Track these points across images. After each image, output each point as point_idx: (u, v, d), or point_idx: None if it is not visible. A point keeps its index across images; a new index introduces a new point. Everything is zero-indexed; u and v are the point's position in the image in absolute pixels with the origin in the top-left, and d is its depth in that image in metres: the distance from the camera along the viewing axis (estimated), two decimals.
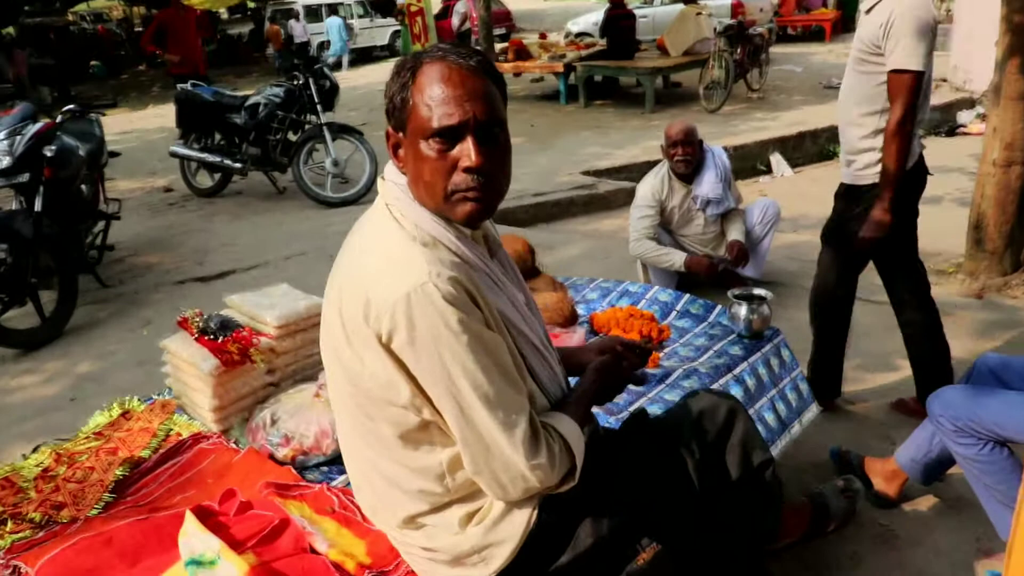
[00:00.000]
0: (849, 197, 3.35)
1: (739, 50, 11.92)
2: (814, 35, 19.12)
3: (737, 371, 2.73)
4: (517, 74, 13.84)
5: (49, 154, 5.17)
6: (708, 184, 4.69)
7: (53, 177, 5.27)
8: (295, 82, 8.22)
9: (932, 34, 2.99)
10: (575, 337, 2.93)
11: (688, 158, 4.59)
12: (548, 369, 1.76)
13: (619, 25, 12.17)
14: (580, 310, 3.23)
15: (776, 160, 9.62)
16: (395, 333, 1.46)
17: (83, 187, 5.95)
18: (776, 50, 16.24)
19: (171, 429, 2.44)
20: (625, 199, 5.15)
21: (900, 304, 3.49)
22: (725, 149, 5.04)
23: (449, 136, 1.52)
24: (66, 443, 2.49)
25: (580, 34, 14.73)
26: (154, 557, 1.83)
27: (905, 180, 3.15)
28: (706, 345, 2.90)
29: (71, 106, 5.81)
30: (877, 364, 4.15)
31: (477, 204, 1.56)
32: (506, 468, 1.55)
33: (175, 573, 1.76)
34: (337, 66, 20.79)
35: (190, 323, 2.45)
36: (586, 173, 8.34)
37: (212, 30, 26.82)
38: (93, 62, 26.28)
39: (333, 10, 23.81)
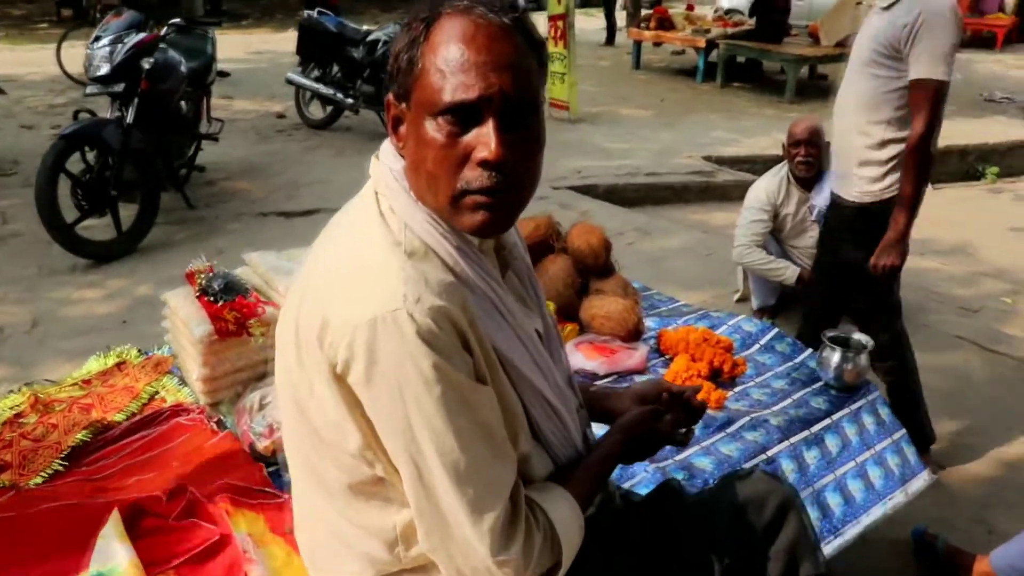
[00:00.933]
0: (845, 217, 3.07)
1: None
2: (984, 41, 17.64)
3: (816, 428, 2.29)
4: (657, 44, 13.18)
5: (147, 66, 5.04)
6: (826, 195, 4.15)
7: (150, 90, 5.14)
8: None
9: (959, 43, 2.75)
10: (635, 356, 2.54)
11: (810, 160, 4.06)
12: (559, 425, 1.37)
13: (772, 6, 11.37)
14: (649, 323, 2.82)
15: None
16: (352, 365, 1.11)
17: (183, 103, 5.82)
18: None
19: (157, 392, 2.19)
20: (742, 193, 4.73)
21: (879, 350, 2.98)
22: None
23: (464, 115, 1.14)
24: (50, 387, 2.28)
25: (730, 11, 13.86)
26: (62, 558, 1.56)
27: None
28: (785, 390, 2.46)
29: (176, 20, 5.67)
30: (989, 425, 3.60)
31: (491, 213, 1.17)
32: (466, 556, 1.18)
33: None
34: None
35: (196, 278, 2.18)
36: (707, 159, 7.79)
37: None
38: None
39: None
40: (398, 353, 1.09)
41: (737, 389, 2.45)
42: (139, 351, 2.41)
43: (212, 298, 2.08)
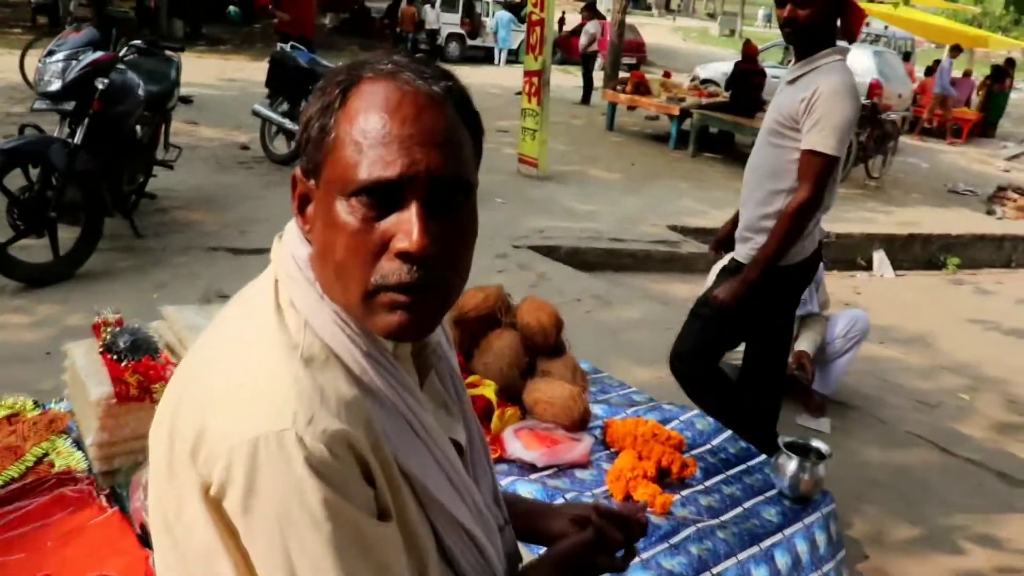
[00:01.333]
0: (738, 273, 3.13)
1: (867, 133, 11.11)
2: (952, 133, 18.01)
3: (767, 543, 2.13)
4: (632, 107, 13.25)
5: (101, 86, 4.83)
6: None
7: (103, 111, 4.94)
8: None
9: (854, 121, 2.83)
10: (578, 448, 2.36)
11: None
12: (476, 556, 1.17)
13: (747, 80, 11.49)
14: (597, 410, 2.65)
15: (879, 258, 8.83)
16: (227, 490, 0.91)
17: (139, 127, 5.61)
18: (906, 140, 15.28)
19: (45, 455, 1.96)
20: (707, 266, 4.66)
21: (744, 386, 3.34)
22: (826, 236, 4.35)
23: (382, 197, 0.96)
24: None
25: (706, 81, 14.03)
26: None
27: (793, 274, 3.05)
28: (736, 497, 2.30)
29: (136, 41, 5.49)
30: (943, 535, 3.47)
31: (410, 315, 0.99)
32: None
33: None
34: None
35: (102, 331, 1.97)
36: (672, 228, 7.72)
37: (351, 0, 26.98)
38: (231, 7, 26.64)
39: (507, 6, 24.46)
40: (282, 483, 0.90)
41: (684, 493, 2.28)
42: (35, 403, 2.19)
43: (116, 356, 1.88)
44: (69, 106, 4.84)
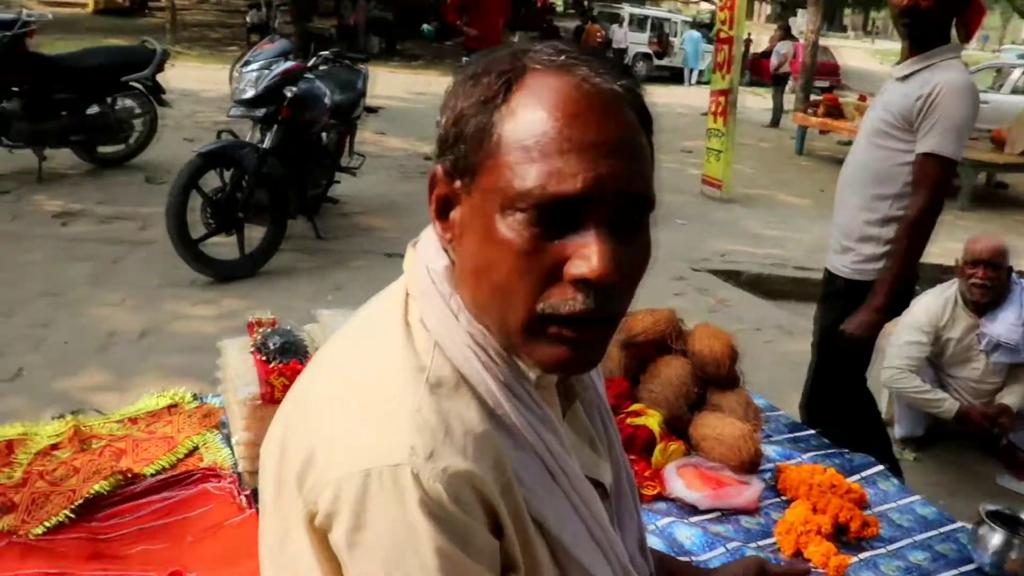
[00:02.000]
0: (837, 289, 2.98)
1: None
2: None
3: None
4: (824, 132, 12.62)
5: (290, 94, 5.04)
6: (1005, 324, 3.61)
7: (291, 117, 5.14)
8: None
9: (973, 123, 2.68)
10: (746, 493, 2.14)
11: (989, 284, 3.55)
12: None
13: None
14: (769, 451, 2.41)
15: None
16: (335, 522, 0.81)
17: (325, 134, 5.82)
18: None
19: (196, 448, 1.96)
20: None
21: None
22: None
23: (557, 214, 0.82)
24: (96, 419, 2.10)
25: None
26: None
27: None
28: (924, 567, 2.00)
29: (325, 52, 5.68)
30: None
31: (579, 349, 0.85)
32: None
33: None
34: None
35: (255, 330, 1.96)
36: None
37: (540, 19, 27.38)
38: (425, 24, 27.68)
39: (696, 25, 24.28)
40: (393, 523, 0.79)
41: (863, 555, 2.01)
42: (194, 396, 2.22)
43: (265, 357, 1.85)
44: (260, 113, 5.07)
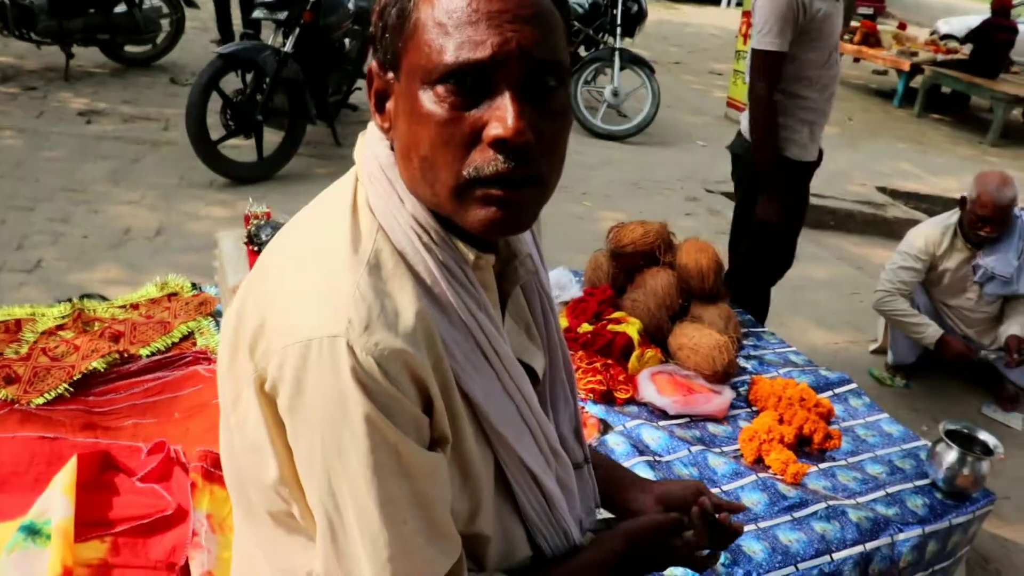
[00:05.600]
0: None
1: None
2: None
3: (900, 537, 1.91)
4: (857, 59, 12.32)
5: None
6: (999, 257, 3.61)
7: (313, 22, 5.12)
8: None
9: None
10: (715, 401, 2.23)
11: (991, 236, 3.55)
12: (540, 500, 1.10)
13: (993, 36, 10.31)
14: (747, 365, 2.49)
15: None
16: (279, 387, 0.89)
17: (347, 40, 5.80)
18: None
19: (192, 332, 2.07)
20: None
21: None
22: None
23: (472, 82, 0.87)
24: (99, 304, 2.21)
25: (947, 36, 12.75)
26: (13, 493, 1.45)
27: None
28: (880, 479, 2.09)
29: None
30: None
31: (506, 209, 0.91)
32: None
33: (3, 529, 1.36)
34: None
35: (251, 222, 2.04)
36: (881, 189, 7.14)
37: None
38: None
39: None
40: (328, 389, 0.86)
41: (823, 466, 2.10)
42: (193, 285, 2.32)
43: (257, 247, 1.93)
44: (282, 15, 5.06)
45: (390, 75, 0.95)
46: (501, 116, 0.87)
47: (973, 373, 3.90)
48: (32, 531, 1.33)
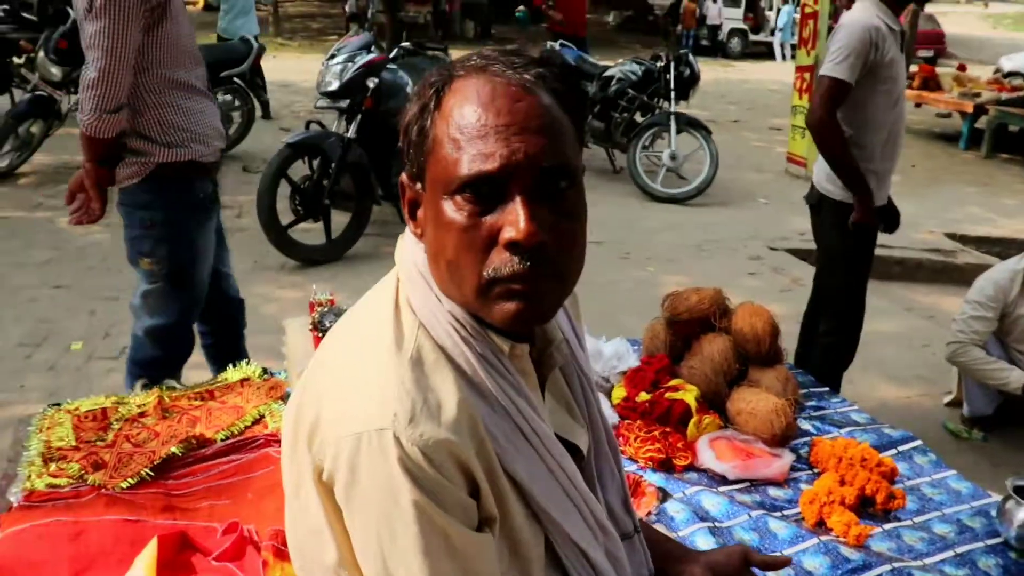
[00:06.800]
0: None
1: None
2: None
3: None
4: (918, 105, 12.19)
5: (372, 85, 5.26)
6: None
7: (373, 108, 5.37)
8: (657, 63, 7.85)
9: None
10: (774, 465, 2.23)
11: None
12: (588, 573, 1.14)
13: None
14: (808, 427, 2.49)
15: None
16: (335, 477, 0.98)
17: None
18: None
19: (263, 416, 2.18)
20: None
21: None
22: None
23: (486, 191, 0.97)
24: (177, 391, 2.34)
25: (1011, 73, 12.53)
26: (101, 573, 1.56)
27: None
28: (948, 539, 2.06)
29: (406, 44, 5.89)
30: None
31: (526, 302, 0.98)
32: None
33: None
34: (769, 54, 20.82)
35: (315, 309, 2.16)
36: (951, 236, 7.02)
37: None
38: (519, 8, 27.78)
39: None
40: (379, 479, 0.94)
41: (887, 527, 2.08)
42: (264, 370, 2.43)
43: (322, 334, 2.04)
44: (344, 104, 5.31)
45: (418, 186, 1.05)
46: (514, 220, 0.95)
47: None
48: None
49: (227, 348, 3.22)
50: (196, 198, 2.81)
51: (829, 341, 3.57)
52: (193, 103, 2.77)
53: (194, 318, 3.00)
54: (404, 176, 1.08)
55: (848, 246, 3.41)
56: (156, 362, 2.87)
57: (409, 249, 1.11)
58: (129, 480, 1.89)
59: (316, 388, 1.06)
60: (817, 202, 3.49)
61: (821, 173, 3.42)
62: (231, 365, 2.48)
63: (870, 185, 3.24)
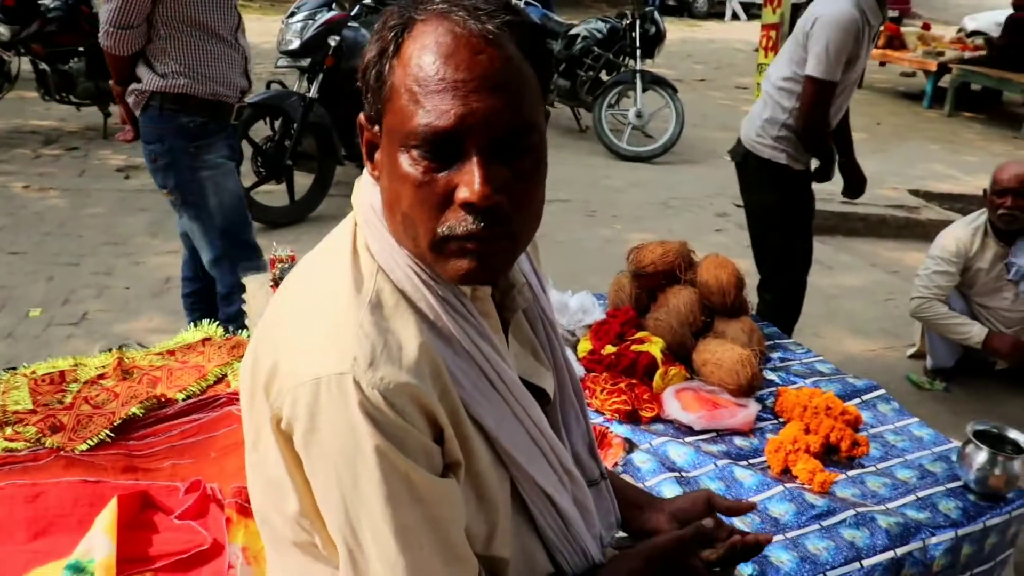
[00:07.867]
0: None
1: None
2: None
3: (932, 541, 1.90)
4: (883, 63, 12.23)
5: (333, 43, 5.16)
6: None
7: (335, 67, 5.26)
8: (622, 21, 7.79)
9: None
10: (740, 414, 2.25)
11: (1017, 214, 3.52)
12: (555, 519, 1.14)
13: (1020, 30, 10.20)
14: (773, 377, 2.51)
15: None
16: (294, 425, 0.95)
17: None
18: None
19: (225, 375, 2.15)
20: None
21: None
22: None
23: (442, 147, 0.93)
24: (138, 352, 2.30)
25: (974, 33, 12.59)
26: (60, 535, 1.53)
27: None
28: (911, 484, 2.09)
29: (367, 2, 5.78)
30: None
31: (480, 261, 0.96)
32: None
33: (49, 571, 1.43)
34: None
35: (275, 265, 2.12)
36: (914, 192, 7.07)
37: None
38: None
39: None
40: (340, 424, 0.92)
41: (851, 473, 2.10)
42: (225, 329, 2.40)
43: None
44: (306, 63, 5.21)
45: (376, 128, 1.01)
46: (469, 181, 0.92)
47: (1013, 374, 3.86)
48: (77, 569, 1.40)
49: (205, 302, 3.33)
50: (186, 128, 2.91)
51: (771, 298, 3.56)
52: (210, 46, 2.89)
53: (236, 256, 3.00)
54: (362, 117, 1.04)
55: (777, 203, 3.42)
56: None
57: (367, 191, 1.08)
58: (88, 442, 1.86)
59: (272, 336, 1.03)
60: (743, 159, 3.50)
61: (750, 130, 3.42)
62: (207, 321, 2.43)
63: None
